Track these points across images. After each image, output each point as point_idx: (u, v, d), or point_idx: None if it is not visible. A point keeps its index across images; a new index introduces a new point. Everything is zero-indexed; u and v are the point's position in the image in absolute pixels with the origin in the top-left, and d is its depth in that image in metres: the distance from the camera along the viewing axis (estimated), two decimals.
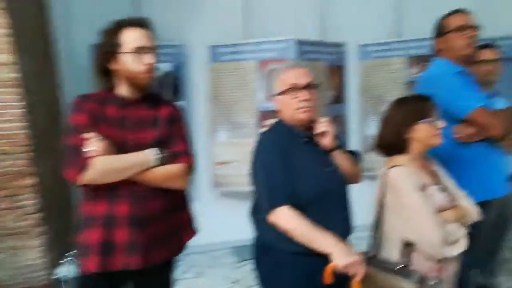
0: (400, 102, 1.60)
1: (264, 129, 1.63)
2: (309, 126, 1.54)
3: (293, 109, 1.50)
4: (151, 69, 1.47)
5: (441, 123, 1.52)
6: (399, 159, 1.55)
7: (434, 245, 1.40)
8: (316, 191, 1.46)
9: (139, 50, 1.44)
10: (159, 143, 1.48)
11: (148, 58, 1.45)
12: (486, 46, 2.22)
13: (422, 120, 1.51)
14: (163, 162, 1.46)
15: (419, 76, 2.10)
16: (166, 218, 1.52)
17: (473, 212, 1.55)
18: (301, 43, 3.37)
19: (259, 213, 1.53)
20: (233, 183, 3.50)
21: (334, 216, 1.50)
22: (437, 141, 1.52)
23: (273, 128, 1.58)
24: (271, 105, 1.62)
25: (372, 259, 1.53)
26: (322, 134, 1.52)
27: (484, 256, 2.06)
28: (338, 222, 1.51)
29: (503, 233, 2.13)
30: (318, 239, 1.37)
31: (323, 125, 1.52)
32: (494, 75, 2.23)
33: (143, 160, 1.43)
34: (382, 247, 1.56)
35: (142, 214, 1.44)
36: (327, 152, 1.55)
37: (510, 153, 1.98)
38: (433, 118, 1.52)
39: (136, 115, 1.49)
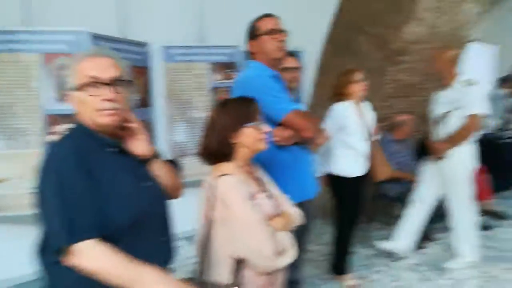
0: (223, 106, 1.46)
1: (55, 137, 1.21)
2: (116, 132, 1.22)
3: (93, 109, 1.14)
4: None
5: (266, 127, 1.44)
6: (226, 167, 1.40)
7: (267, 258, 1.30)
8: (132, 214, 1.15)
9: None
10: None
11: None
12: (289, 54, 2.33)
13: (247, 124, 1.40)
14: None
15: (232, 80, 2.04)
16: None
17: (297, 216, 1.53)
18: (96, 37, 2.90)
19: (49, 254, 1.10)
20: (11, 206, 2.74)
21: (153, 241, 1.23)
22: (263, 145, 1.44)
23: (69, 135, 1.18)
24: (63, 107, 1.20)
25: (200, 285, 1.32)
26: (135, 139, 1.23)
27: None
28: (159, 249, 1.26)
29: (308, 231, 2.27)
30: (138, 276, 1.06)
31: (135, 127, 1.23)
32: (296, 82, 2.37)
33: None
34: (210, 268, 1.37)
35: None
36: (142, 162, 1.26)
37: (316, 155, 2.12)
38: (258, 122, 1.42)
39: None
